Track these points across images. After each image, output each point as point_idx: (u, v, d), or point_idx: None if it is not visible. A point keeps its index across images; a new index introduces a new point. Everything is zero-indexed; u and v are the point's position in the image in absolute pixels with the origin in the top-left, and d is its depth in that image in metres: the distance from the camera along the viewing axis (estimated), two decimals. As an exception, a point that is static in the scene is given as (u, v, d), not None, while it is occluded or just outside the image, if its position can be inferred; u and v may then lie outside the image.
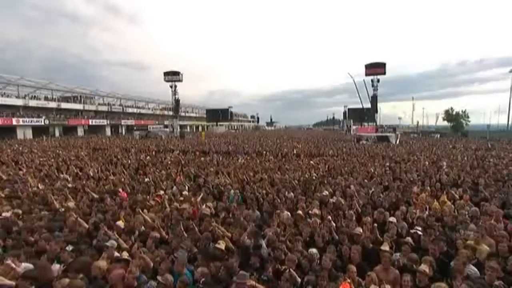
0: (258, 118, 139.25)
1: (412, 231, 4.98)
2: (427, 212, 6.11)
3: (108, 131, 53.08)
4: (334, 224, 5.53)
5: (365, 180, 9.36)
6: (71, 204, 6.78)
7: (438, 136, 41.87)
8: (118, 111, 59.52)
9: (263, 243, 4.64)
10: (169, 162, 14.10)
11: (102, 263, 4.00)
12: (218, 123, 72.84)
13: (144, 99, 72.00)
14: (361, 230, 4.85)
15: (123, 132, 55.47)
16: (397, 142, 28.68)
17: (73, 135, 43.51)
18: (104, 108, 56.09)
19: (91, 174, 10.49)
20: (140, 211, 5.69)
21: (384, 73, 39.03)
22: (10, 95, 40.39)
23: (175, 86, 50.57)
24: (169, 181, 9.52)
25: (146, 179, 9.69)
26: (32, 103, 41.76)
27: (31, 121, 39.31)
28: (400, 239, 4.78)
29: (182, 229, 5.26)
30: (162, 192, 7.95)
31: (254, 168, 12.44)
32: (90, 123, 50.38)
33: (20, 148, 21.92)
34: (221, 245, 4.43)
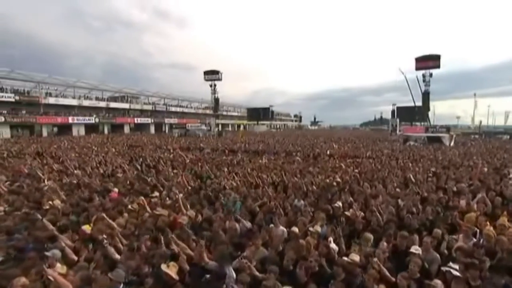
0: (300, 117, 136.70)
1: (444, 269, 3.44)
2: (474, 240, 4.40)
3: (152, 129, 55.86)
4: (336, 248, 4.20)
5: (397, 189, 7.59)
6: (57, 202, 6.39)
7: (507, 137, 35.56)
8: (162, 110, 62.44)
9: (231, 270, 3.55)
10: (187, 161, 13.60)
11: (23, 281, 3.30)
12: (259, 122, 72.52)
13: (187, 99, 74.46)
14: (357, 259, 3.49)
15: (166, 130, 57.95)
16: (452, 143, 24.95)
17: (120, 132, 46.58)
18: (149, 107, 59.27)
19: (101, 171, 10.33)
20: (105, 216, 4.97)
21: (438, 67, 34.61)
22: (67, 96, 44.70)
23: (215, 85, 51.55)
24: (173, 181, 8.86)
25: (150, 179, 9.14)
26: (85, 103, 45.75)
27: (84, 120, 43.10)
28: (425, 281, 3.31)
29: (148, 241, 4.43)
30: (157, 194, 7.29)
31: (273, 169, 11.31)
32: (136, 122, 53.65)
33: (66, 144, 23.66)
34: (171, 269, 3.45)
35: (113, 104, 51.21)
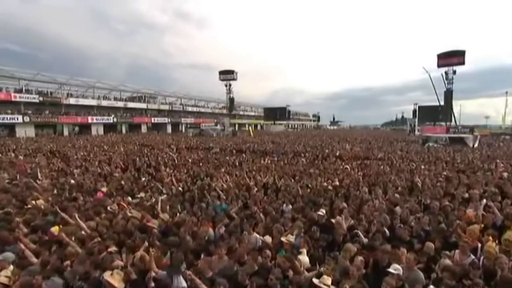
0: (319, 117, 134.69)
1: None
2: (472, 257, 3.79)
3: (169, 129, 56.74)
4: (306, 262, 3.77)
5: (396, 195, 6.93)
6: (40, 202, 6.36)
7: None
8: (179, 110, 63.26)
9: (180, 280, 3.22)
10: (189, 161, 13.46)
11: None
12: (276, 122, 71.95)
13: (204, 99, 74.88)
14: (329, 282, 3.03)
15: (183, 130, 58.64)
16: (476, 145, 23.29)
17: (137, 132, 47.71)
18: (166, 107, 60.18)
19: (98, 170, 10.36)
20: (77, 217, 4.81)
21: (463, 63, 32.51)
22: (87, 97, 46.32)
23: (230, 85, 51.85)
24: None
25: (143, 179, 9.02)
26: (104, 103, 47.17)
27: (102, 119, 44.57)
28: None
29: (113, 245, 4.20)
30: (142, 194, 7.13)
31: (272, 171, 10.90)
32: (153, 121, 54.71)
33: (81, 142, 24.38)
34: (114, 277, 3.17)
35: (131, 104, 52.46)
